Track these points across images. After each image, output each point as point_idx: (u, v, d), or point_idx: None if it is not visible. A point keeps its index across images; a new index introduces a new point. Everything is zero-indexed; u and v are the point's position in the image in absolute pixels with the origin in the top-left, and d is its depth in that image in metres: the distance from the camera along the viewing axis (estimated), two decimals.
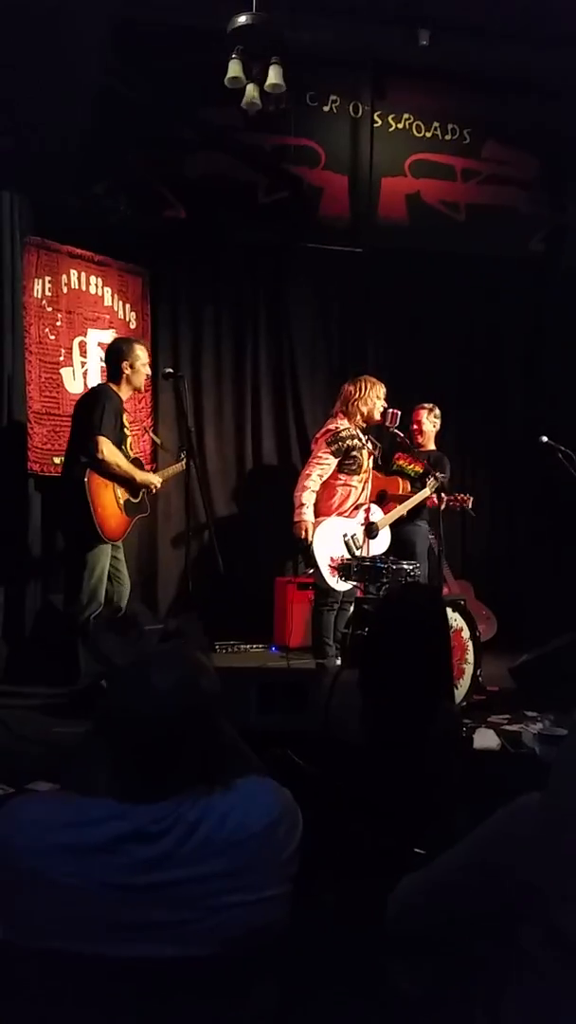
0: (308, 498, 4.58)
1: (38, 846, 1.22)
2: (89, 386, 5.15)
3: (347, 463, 4.59)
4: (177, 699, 1.26)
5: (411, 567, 4.42)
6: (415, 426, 5.36)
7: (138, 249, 5.53)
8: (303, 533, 4.54)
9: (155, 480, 4.46)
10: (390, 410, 4.68)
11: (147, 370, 4.41)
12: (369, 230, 5.94)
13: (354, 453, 4.58)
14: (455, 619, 4.31)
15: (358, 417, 4.66)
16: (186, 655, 1.34)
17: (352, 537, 4.56)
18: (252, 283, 5.94)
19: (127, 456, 4.31)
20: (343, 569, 4.40)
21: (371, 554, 4.49)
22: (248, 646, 5.44)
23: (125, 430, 4.35)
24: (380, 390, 4.72)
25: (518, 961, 1.00)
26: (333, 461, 4.59)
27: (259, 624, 5.55)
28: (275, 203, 5.81)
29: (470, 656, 4.29)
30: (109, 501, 4.22)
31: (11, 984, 1.24)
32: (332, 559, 4.40)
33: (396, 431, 4.74)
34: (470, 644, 4.31)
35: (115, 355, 4.32)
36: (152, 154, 5.50)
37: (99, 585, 4.23)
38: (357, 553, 4.49)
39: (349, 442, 4.59)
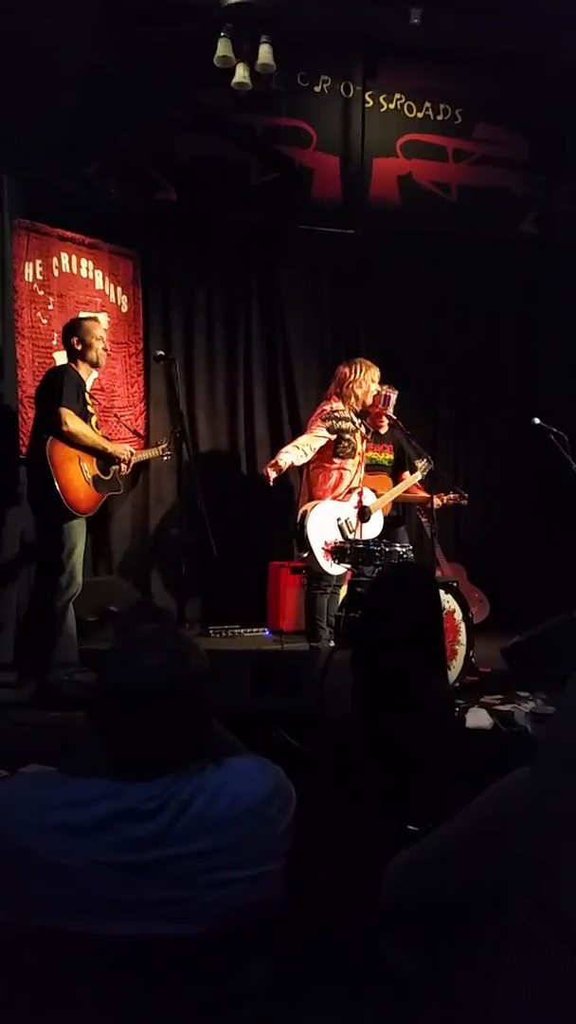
0: (287, 454, 4.52)
1: (31, 826, 1.23)
2: None
3: (342, 445, 4.56)
4: (166, 677, 1.27)
5: (404, 549, 4.44)
6: (377, 409, 5.18)
7: (129, 232, 5.50)
8: (267, 478, 4.53)
9: (124, 452, 4.36)
10: (386, 393, 4.68)
11: (102, 344, 4.29)
12: (361, 211, 5.91)
13: (348, 436, 4.55)
14: (448, 601, 4.32)
15: (352, 400, 4.62)
16: (173, 635, 1.35)
17: (346, 521, 4.56)
18: (244, 265, 5.91)
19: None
20: (337, 552, 4.41)
21: (364, 537, 4.50)
22: (242, 630, 5.45)
23: (88, 407, 4.28)
24: (375, 373, 4.68)
25: (511, 934, 1.01)
26: (328, 437, 4.55)
27: (253, 608, 5.56)
28: (267, 184, 5.78)
29: (463, 637, 4.31)
30: (75, 474, 4.13)
31: (6, 963, 1.24)
32: (327, 543, 4.39)
33: (390, 414, 4.74)
34: (463, 626, 4.33)
35: (67, 334, 4.31)
36: (143, 136, 5.46)
37: (77, 566, 4.15)
38: (351, 537, 4.49)
39: (343, 424, 4.56)
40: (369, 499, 4.64)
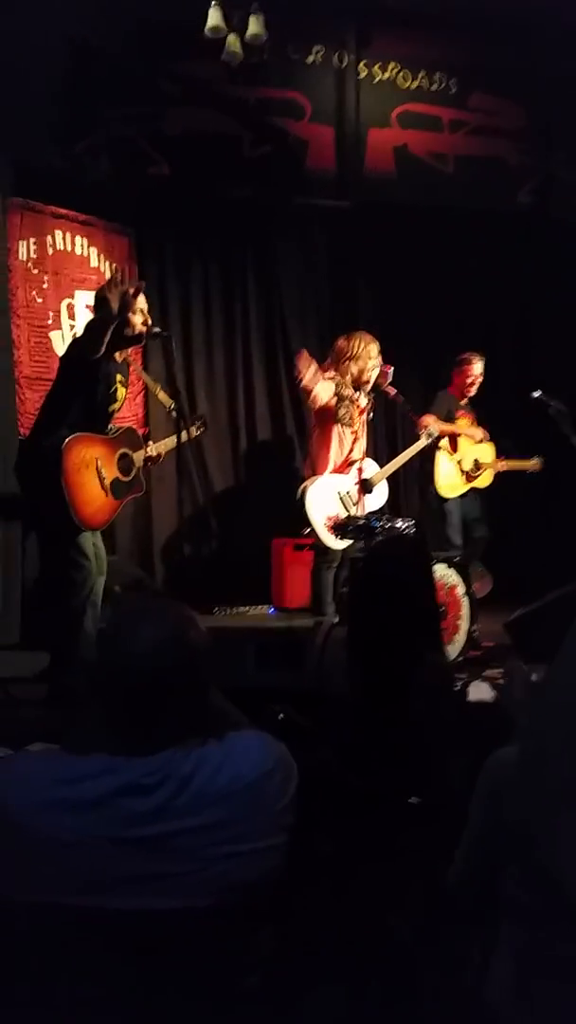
0: (312, 375, 4.40)
1: (32, 803, 1.23)
2: None
3: (341, 412, 4.50)
4: (164, 651, 1.27)
5: (406, 524, 4.42)
6: (470, 379, 5.32)
7: (123, 208, 5.44)
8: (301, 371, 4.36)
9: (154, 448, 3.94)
10: (382, 367, 4.64)
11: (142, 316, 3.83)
12: (356, 183, 5.84)
13: (347, 403, 4.51)
14: (450, 576, 4.32)
15: (348, 376, 4.55)
16: (171, 610, 1.34)
17: (347, 494, 4.53)
18: (240, 240, 5.84)
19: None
20: (338, 528, 4.39)
21: (367, 510, 4.48)
22: (246, 608, 5.45)
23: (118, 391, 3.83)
24: (374, 348, 4.59)
25: (506, 904, 1.01)
26: (331, 392, 4.47)
27: (258, 587, 5.55)
28: (260, 157, 5.70)
29: (465, 612, 4.30)
30: (90, 481, 3.56)
31: (8, 938, 1.25)
32: (328, 518, 4.37)
33: (388, 388, 4.70)
34: (465, 601, 4.32)
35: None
36: (133, 110, 5.38)
37: (92, 565, 3.61)
38: (353, 510, 4.47)
39: (344, 391, 4.52)
40: (371, 470, 4.61)
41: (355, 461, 4.60)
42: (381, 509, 4.64)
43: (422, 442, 4.80)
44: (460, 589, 4.32)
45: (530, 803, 0.82)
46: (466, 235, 6.04)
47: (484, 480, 5.34)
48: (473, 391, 5.37)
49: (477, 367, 5.35)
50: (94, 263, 5.24)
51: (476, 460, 5.29)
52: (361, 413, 4.64)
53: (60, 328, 5.07)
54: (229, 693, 2.05)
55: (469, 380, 5.34)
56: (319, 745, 1.83)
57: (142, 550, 5.58)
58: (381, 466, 4.79)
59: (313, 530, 4.42)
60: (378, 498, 4.68)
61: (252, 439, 5.87)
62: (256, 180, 5.68)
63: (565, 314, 6.20)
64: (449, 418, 5.23)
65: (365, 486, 4.52)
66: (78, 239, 5.18)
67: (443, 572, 4.28)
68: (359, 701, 1.79)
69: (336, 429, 4.56)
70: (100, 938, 1.25)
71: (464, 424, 5.33)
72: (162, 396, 4.30)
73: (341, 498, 4.52)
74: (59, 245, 5.09)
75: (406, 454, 4.83)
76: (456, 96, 6.05)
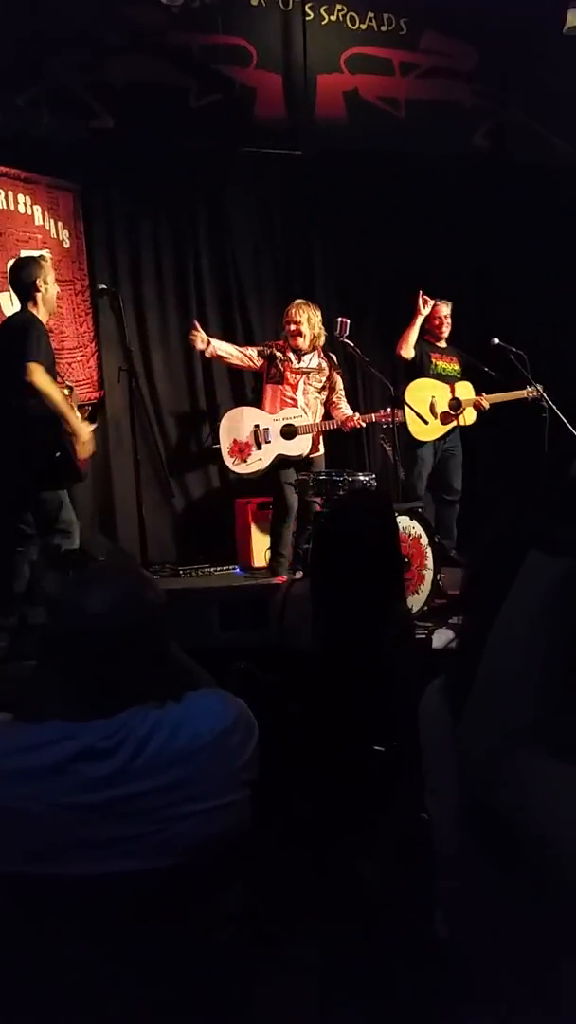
0: (225, 344, 5.05)
1: None
2: None
3: (270, 370, 4.94)
4: (119, 612, 1.24)
5: (368, 478, 4.42)
6: (437, 321, 5.33)
7: (67, 163, 5.26)
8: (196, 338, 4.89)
9: (85, 433, 3.82)
10: (339, 319, 4.62)
11: (56, 288, 3.95)
12: (307, 131, 5.71)
13: (276, 363, 4.91)
14: (413, 527, 4.33)
15: (284, 337, 4.94)
16: (125, 570, 1.31)
17: (264, 430, 4.85)
18: (189, 192, 5.69)
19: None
20: (301, 484, 4.47)
21: (280, 453, 4.80)
22: (212, 569, 5.42)
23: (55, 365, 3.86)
24: (306, 312, 4.85)
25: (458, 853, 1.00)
26: (253, 355, 4.99)
27: (223, 547, 5.53)
28: (208, 107, 5.54)
29: (429, 562, 4.32)
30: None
31: None
32: (236, 442, 4.83)
33: (346, 341, 4.67)
34: (429, 551, 4.34)
35: (20, 273, 3.85)
36: (74, 60, 5.18)
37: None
38: (263, 447, 4.83)
39: (274, 351, 4.94)
40: (301, 420, 4.87)
41: (287, 408, 4.89)
42: (331, 474, 4.75)
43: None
44: (424, 539, 4.34)
45: (482, 745, 0.81)
46: (421, 181, 5.95)
47: (468, 418, 5.29)
48: (444, 332, 5.36)
49: (443, 309, 5.36)
50: (38, 221, 5.07)
51: (455, 399, 5.23)
52: (295, 373, 4.88)
53: (7, 289, 4.92)
54: (195, 654, 2.03)
55: (436, 321, 5.30)
56: (283, 699, 1.82)
57: (103, 514, 5.50)
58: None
59: (219, 447, 4.88)
60: (297, 446, 4.85)
61: (210, 396, 5.79)
62: (204, 131, 5.53)
63: (523, 257, 6.16)
64: (423, 363, 5.23)
65: (287, 430, 4.83)
66: (21, 197, 5.01)
67: (407, 523, 4.29)
68: (322, 653, 1.78)
69: (270, 387, 4.94)
70: (63, 905, 1.23)
71: (440, 367, 5.31)
72: None
73: (257, 432, 4.83)
74: (1, 204, 4.91)
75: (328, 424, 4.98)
76: (406, 37, 5.92)
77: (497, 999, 0.95)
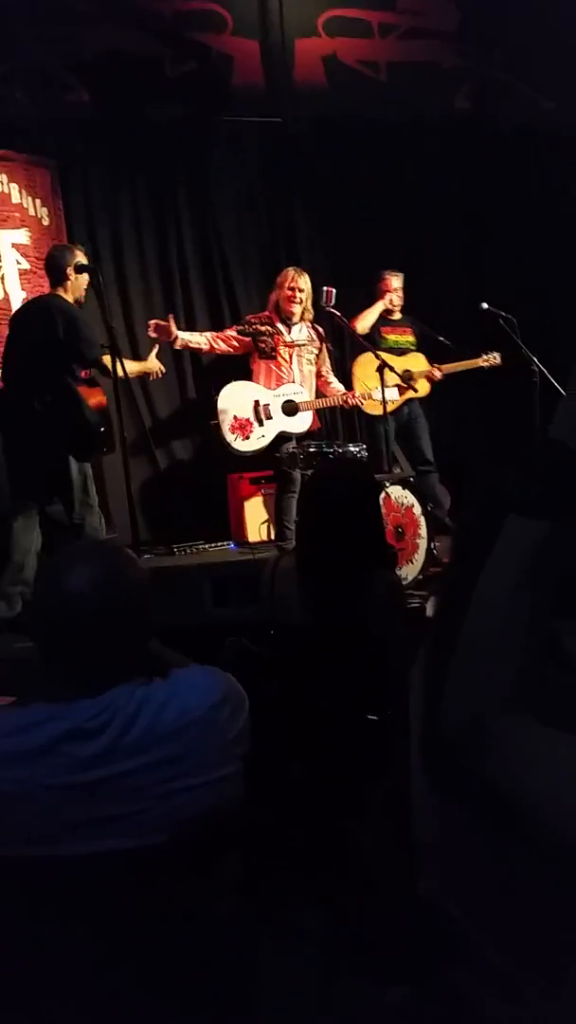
0: (192, 335, 4.88)
1: None
2: (8, 291, 4.90)
3: (259, 347, 4.79)
4: (101, 590, 1.23)
5: (358, 449, 4.40)
6: (388, 294, 5.25)
7: (43, 139, 5.16)
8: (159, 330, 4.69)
9: (155, 365, 4.43)
10: (324, 288, 4.56)
11: (86, 276, 4.09)
12: (286, 97, 5.61)
13: (264, 337, 4.77)
14: (406, 496, 4.32)
15: (273, 306, 4.81)
16: (105, 550, 1.30)
17: (265, 406, 4.71)
18: (168, 164, 5.58)
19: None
20: (291, 457, 4.44)
21: (283, 430, 4.69)
22: (207, 545, 5.40)
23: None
24: (297, 278, 4.74)
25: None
26: (234, 336, 4.83)
27: (217, 522, 5.50)
28: (183, 76, 5.44)
29: (423, 531, 4.32)
30: None
31: None
32: (236, 419, 4.66)
33: (332, 310, 4.61)
34: (422, 519, 4.33)
35: (59, 260, 3.99)
36: (45, 34, 5.07)
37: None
38: (265, 424, 4.68)
39: (258, 327, 4.79)
40: (301, 397, 4.77)
41: (286, 384, 4.77)
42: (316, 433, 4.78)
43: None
44: (417, 509, 4.33)
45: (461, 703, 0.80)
46: (404, 144, 5.86)
47: (422, 389, 5.24)
48: (396, 304, 5.28)
49: (394, 282, 5.28)
50: (16, 199, 4.99)
51: (407, 371, 5.16)
52: (287, 346, 4.76)
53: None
54: (189, 631, 2.02)
55: (387, 296, 5.25)
56: (275, 671, 1.82)
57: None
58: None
59: (218, 426, 4.69)
60: (300, 423, 4.77)
61: (198, 371, 5.74)
62: (181, 100, 5.43)
63: (509, 219, 6.09)
64: (373, 337, 5.17)
65: (288, 407, 4.73)
66: None
67: (399, 493, 4.28)
68: (311, 624, 1.78)
69: (262, 363, 4.80)
70: (59, 886, 1.23)
71: (392, 340, 5.24)
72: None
73: (257, 408, 4.69)
74: None
75: (330, 400, 4.91)
76: None
77: (490, 962, 0.95)
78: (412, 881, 1.30)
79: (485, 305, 5.13)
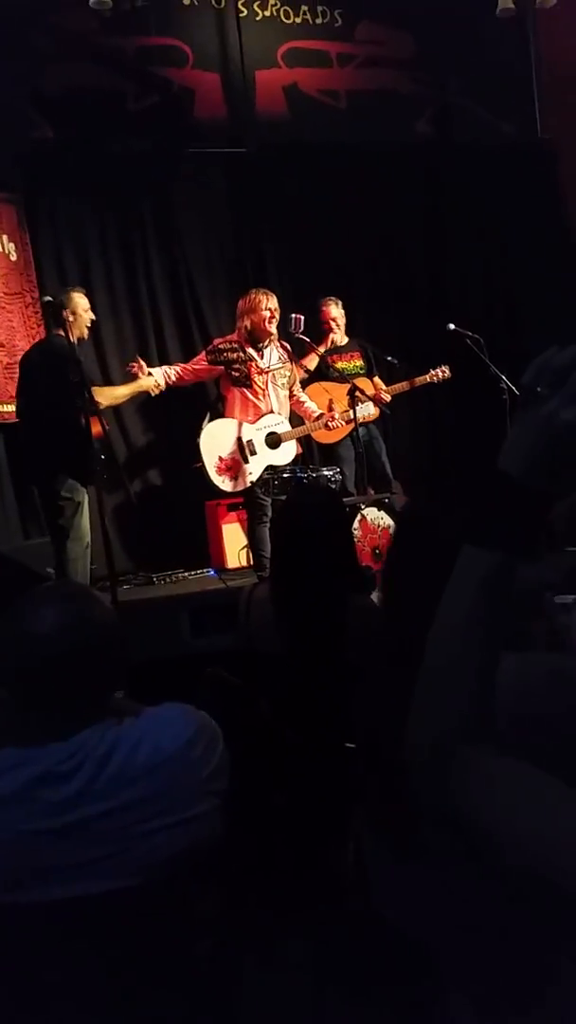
0: (161, 370, 4.77)
1: None
2: None
3: (232, 375, 4.65)
4: (68, 632, 1.22)
5: (331, 473, 4.42)
6: (328, 323, 5.24)
7: (8, 175, 5.19)
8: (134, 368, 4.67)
9: (150, 383, 4.56)
10: (293, 315, 4.58)
11: (90, 316, 4.35)
12: (249, 128, 5.69)
13: (236, 365, 4.63)
14: (382, 518, 4.33)
15: (243, 331, 4.66)
16: (73, 592, 1.29)
17: (248, 442, 4.57)
18: (135, 196, 5.62)
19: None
20: (263, 484, 4.43)
21: (270, 463, 4.54)
22: (187, 573, 5.39)
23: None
24: (266, 299, 4.63)
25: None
26: (204, 367, 4.72)
27: (197, 550, 5.49)
28: (146, 110, 5.51)
29: None
30: None
31: None
32: (221, 459, 4.51)
33: (302, 337, 4.64)
34: None
35: (57, 303, 4.11)
36: (8, 69, 5.11)
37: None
38: (251, 460, 4.53)
39: (229, 354, 4.65)
40: (283, 427, 4.66)
41: (266, 415, 4.63)
42: (295, 459, 4.67)
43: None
44: (393, 530, 4.34)
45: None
46: (368, 171, 5.94)
47: (371, 413, 5.09)
48: (338, 332, 5.22)
49: (333, 310, 5.23)
50: None
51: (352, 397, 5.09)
52: (260, 373, 4.64)
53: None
54: (167, 663, 2.01)
55: (325, 326, 5.19)
56: (252, 702, 1.81)
57: None
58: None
59: (203, 467, 4.52)
60: (284, 455, 4.67)
61: (172, 401, 5.73)
62: (145, 134, 5.49)
63: (474, 241, 6.18)
64: (320, 368, 5.09)
65: (271, 439, 4.60)
66: None
67: (375, 515, 4.30)
68: (287, 653, 1.78)
69: (236, 391, 4.65)
70: (36, 932, 1.22)
71: (340, 367, 5.12)
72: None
73: (242, 445, 4.55)
74: None
75: (311, 426, 4.83)
76: (342, 29, 5.94)
77: (469, 988, 0.95)
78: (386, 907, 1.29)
79: (452, 326, 5.20)
